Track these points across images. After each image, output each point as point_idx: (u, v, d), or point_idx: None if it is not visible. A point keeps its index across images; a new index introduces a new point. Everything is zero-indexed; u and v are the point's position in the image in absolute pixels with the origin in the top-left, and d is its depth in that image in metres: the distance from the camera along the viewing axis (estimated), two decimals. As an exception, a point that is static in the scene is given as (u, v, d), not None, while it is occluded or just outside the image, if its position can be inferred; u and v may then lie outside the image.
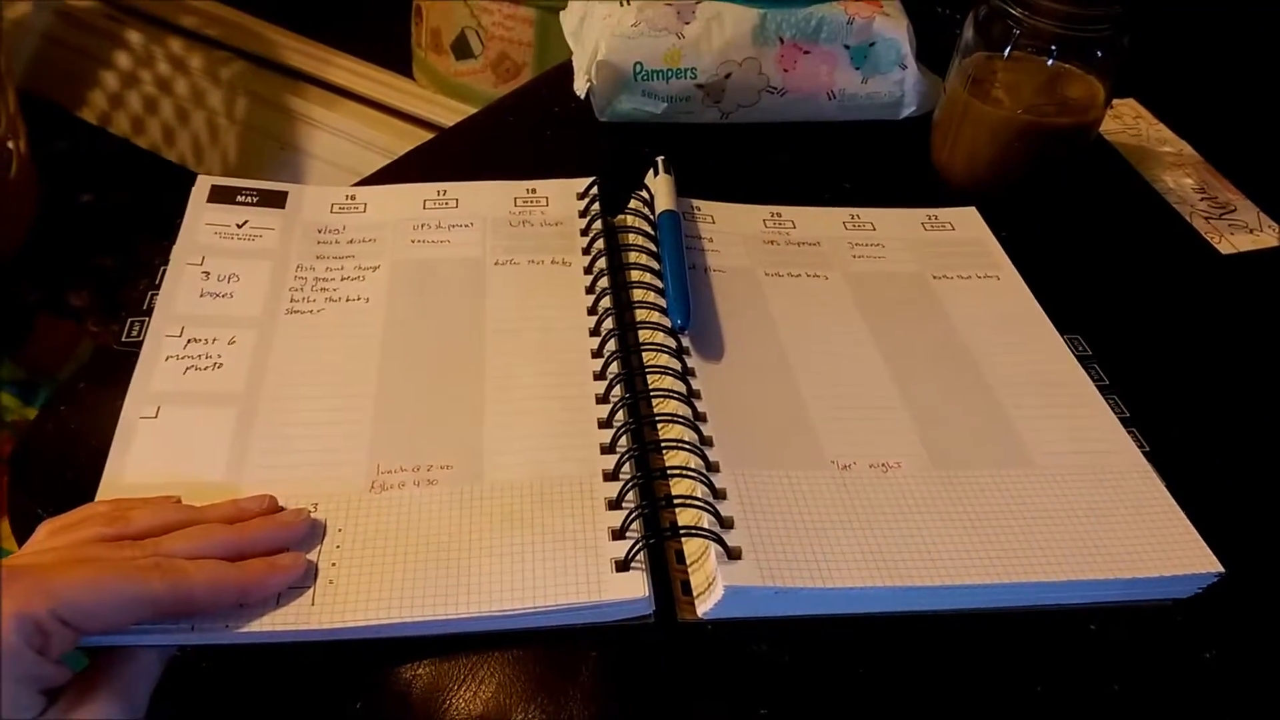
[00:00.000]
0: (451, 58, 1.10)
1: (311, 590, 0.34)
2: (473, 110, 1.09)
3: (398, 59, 1.18)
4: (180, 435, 0.39)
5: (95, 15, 1.29)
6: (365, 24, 1.23)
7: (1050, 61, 0.53)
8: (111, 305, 1.15)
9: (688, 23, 0.60)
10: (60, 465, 0.40)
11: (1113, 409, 0.44)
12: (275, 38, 1.22)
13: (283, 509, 0.36)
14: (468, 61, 1.09)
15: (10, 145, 1.07)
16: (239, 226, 0.48)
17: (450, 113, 1.12)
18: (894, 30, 0.61)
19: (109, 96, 1.31)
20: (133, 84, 1.29)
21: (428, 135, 1.12)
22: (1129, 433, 0.43)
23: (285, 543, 0.35)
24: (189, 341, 0.42)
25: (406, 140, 1.12)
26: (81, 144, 1.31)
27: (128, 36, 1.27)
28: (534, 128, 0.62)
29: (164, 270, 0.45)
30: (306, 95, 1.18)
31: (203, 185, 0.49)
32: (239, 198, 0.49)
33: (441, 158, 0.60)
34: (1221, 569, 0.37)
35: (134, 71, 1.28)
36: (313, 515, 0.36)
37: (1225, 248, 0.58)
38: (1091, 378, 0.46)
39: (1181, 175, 0.63)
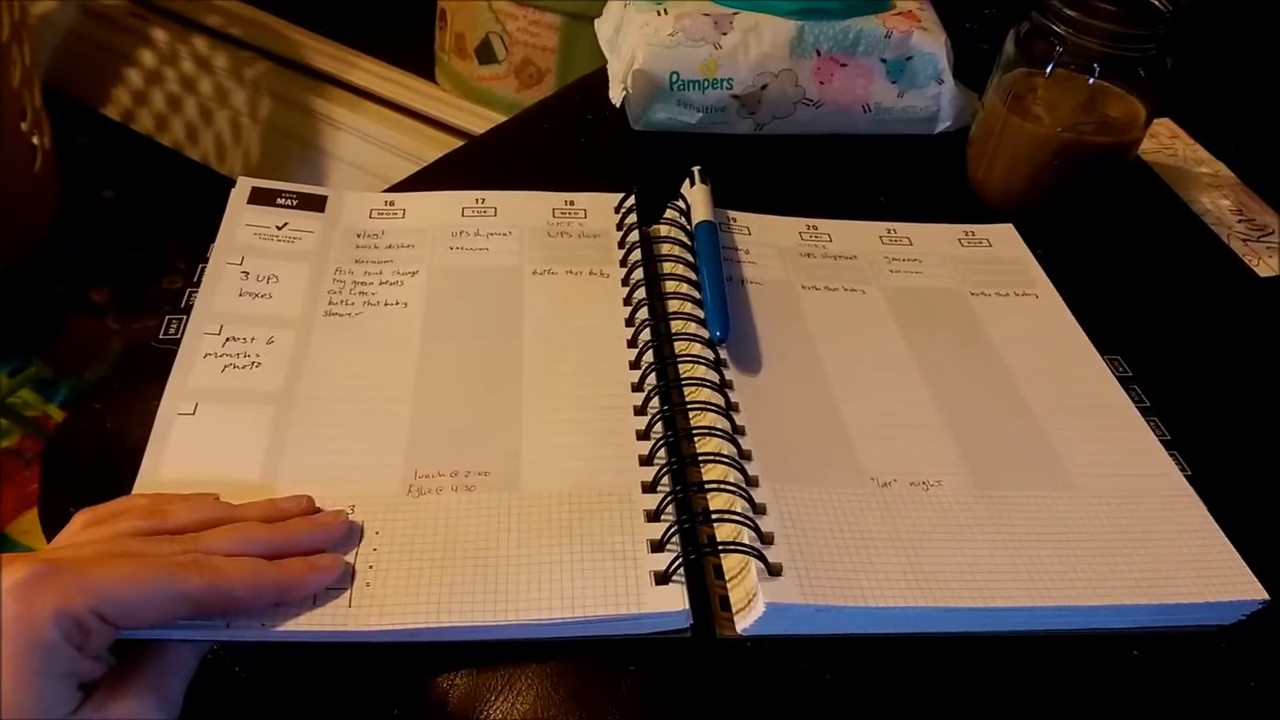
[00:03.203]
0: (475, 62, 1.10)
1: (349, 592, 0.34)
2: (494, 115, 1.10)
3: (420, 62, 1.18)
4: (217, 433, 0.39)
5: (120, 12, 1.29)
6: (389, 27, 1.23)
7: (1092, 80, 0.53)
8: (133, 302, 1.14)
9: (725, 33, 0.59)
10: (95, 460, 0.40)
11: (1154, 432, 0.44)
12: (299, 39, 1.22)
13: (320, 510, 0.36)
14: (491, 66, 1.09)
15: (35, 140, 1.07)
16: (279, 228, 0.47)
17: (472, 117, 1.12)
18: (932, 45, 0.61)
19: (133, 94, 1.31)
20: (157, 82, 1.29)
21: (449, 139, 1.12)
22: (1171, 456, 0.43)
23: (323, 544, 0.35)
24: (227, 340, 0.42)
25: (428, 143, 1.12)
26: (104, 140, 1.32)
27: (153, 34, 1.27)
28: (567, 135, 0.62)
29: (203, 268, 0.45)
30: (329, 97, 1.18)
31: (243, 186, 0.49)
32: (279, 200, 0.49)
33: (475, 164, 0.59)
34: (1267, 596, 0.37)
35: (158, 69, 1.28)
36: (350, 517, 0.36)
37: (1264, 270, 0.57)
38: (1132, 399, 0.45)
39: (1219, 196, 0.62)
